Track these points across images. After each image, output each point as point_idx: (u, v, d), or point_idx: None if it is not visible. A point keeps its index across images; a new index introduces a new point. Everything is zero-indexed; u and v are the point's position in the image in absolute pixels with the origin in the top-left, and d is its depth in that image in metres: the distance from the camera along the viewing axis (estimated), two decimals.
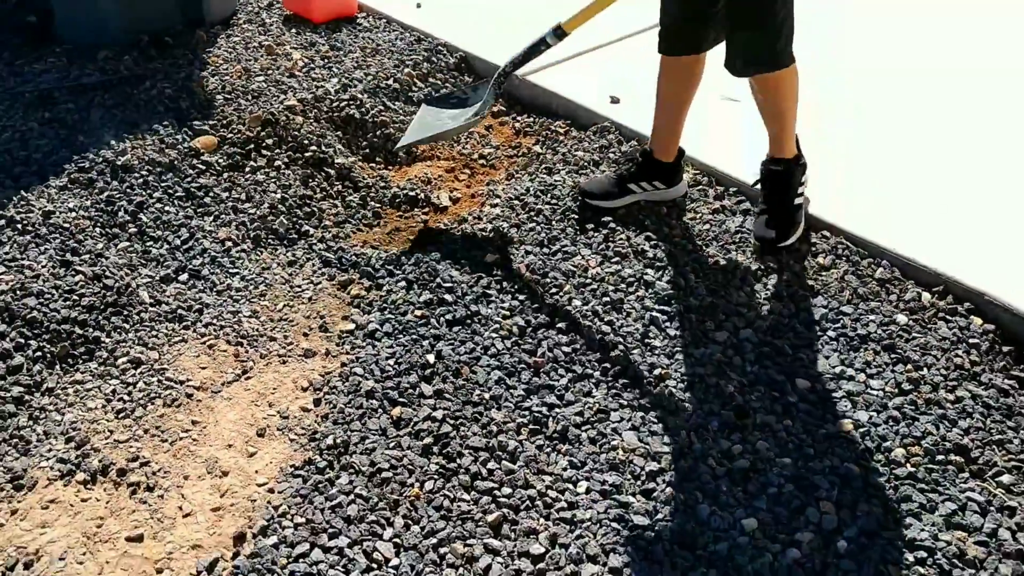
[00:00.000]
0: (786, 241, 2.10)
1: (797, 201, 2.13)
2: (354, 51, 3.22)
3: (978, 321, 1.90)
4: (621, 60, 3.00)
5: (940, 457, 1.64)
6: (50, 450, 1.78)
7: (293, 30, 3.37)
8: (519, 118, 2.88)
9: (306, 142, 2.66)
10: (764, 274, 2.08)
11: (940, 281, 1.97)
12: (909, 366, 1.81)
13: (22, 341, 1.99)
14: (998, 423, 1.69)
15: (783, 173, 2.11)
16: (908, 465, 1.63)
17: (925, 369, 1.81)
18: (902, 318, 1.92)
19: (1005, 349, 1.85)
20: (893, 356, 1.84)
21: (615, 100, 2.75)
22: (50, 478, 1.73)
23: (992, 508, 1.55)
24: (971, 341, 1.85)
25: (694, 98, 2.22)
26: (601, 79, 2.86)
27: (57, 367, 1.98)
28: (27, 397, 1.90)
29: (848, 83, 2.84)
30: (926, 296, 1.96)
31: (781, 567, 1.48)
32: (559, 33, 2.11)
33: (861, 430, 1.70)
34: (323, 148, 2.65)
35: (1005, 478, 1.59)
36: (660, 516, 1.57)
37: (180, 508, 1.66)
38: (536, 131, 2.78)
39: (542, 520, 1.58)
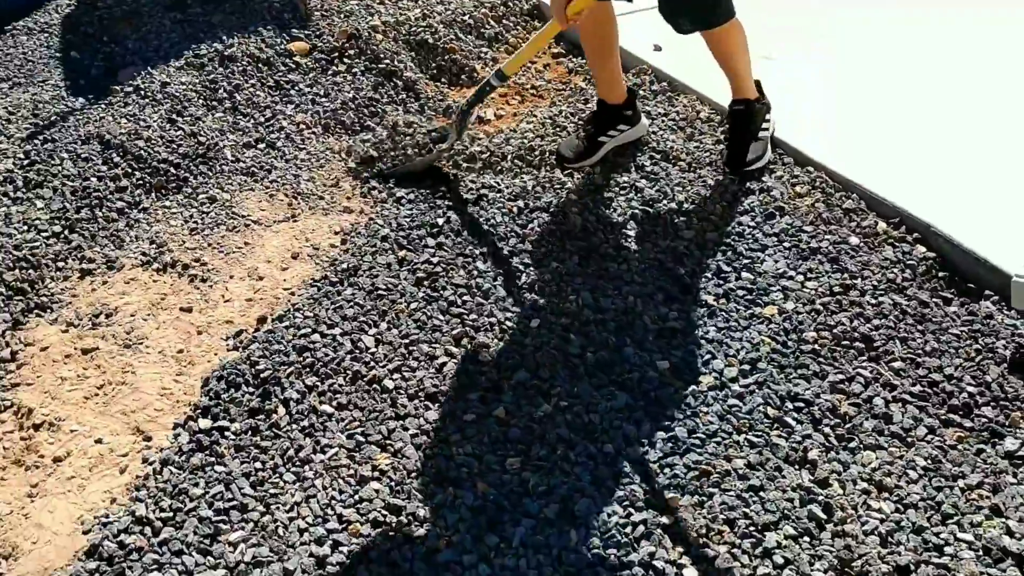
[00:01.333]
0: (748, 167, 2.43)
1: (761, 135, 2.46)
2: None
3: (922, 249, 2.17)
4: None
5: (845, 342, 1.95)
6: (137, 247, 2.35)
7: None
8: (573, 59, 3.28)
9: (382, 56, 3.17)
10: (743, 195, 2.41)
11: (897, 213, 2.25)
12: (846, 275, 2.11)
13: (130, 171, 2.58)
14: (909, 326, 1.98)
15: (744, 112, 2.44)
16: (815, 345, 1.94)
17: (859, 280, 2.10)
18: (854, 239, 2.22)
19: (940, 274, 2.12)
20: (835, 267, 2.15)
21: (658, 48, 3.11)
22: (133, 264, 2.29)
23: (876, 383, 1.85)
24: (909, 263, 2.13)
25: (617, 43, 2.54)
26: (651, 31, 3.22)
27: (152, 194, 2.55)
28: (127, 210, 2.48)
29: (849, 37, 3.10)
30: (882, 225, 2.24)
31: (679, 397, 1.84)
32: (500, 76, 2.41)
33: (784, 316, 2.02)
34: (395, 63, 3.15)
35: (897, 364, 1.89)
36: (591, 348, 1.95)
37: (222, 296, 2.19)
38: (585, 71, 3.18)
39: (495, 340, 1.99)
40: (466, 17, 3.48)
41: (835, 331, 1.97)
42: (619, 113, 2.57)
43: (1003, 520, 1.59)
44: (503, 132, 2.83)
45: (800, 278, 2.12)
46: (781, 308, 2.04)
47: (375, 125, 2.88)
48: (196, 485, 1.70)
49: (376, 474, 1.72)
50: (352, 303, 2.10)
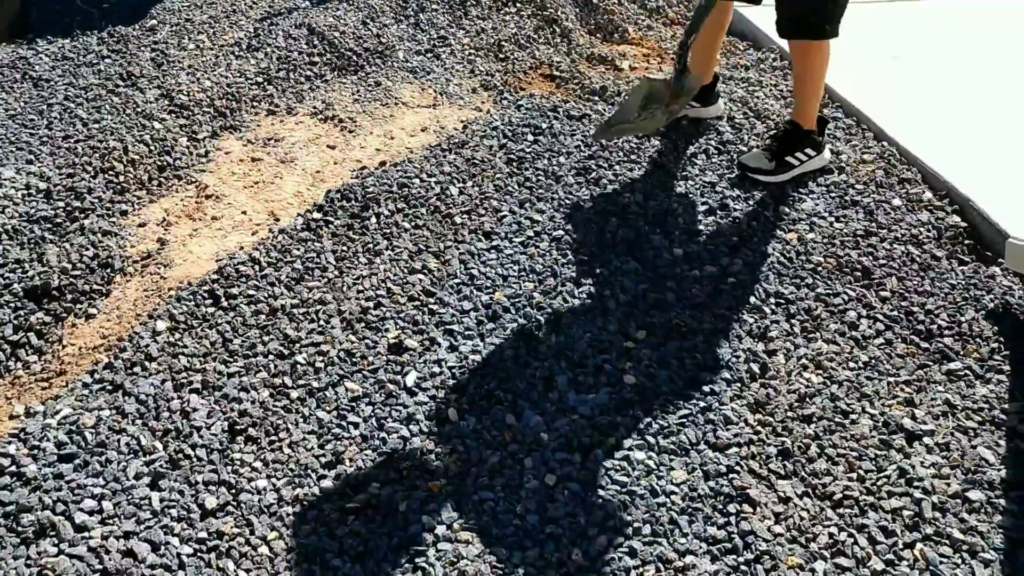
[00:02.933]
0: (758, 176, 2.60)
1: (789, 160, 2.57)
2: None
3: (956, 219, 2.41)
4: None
5: (846, 269, 2.26)
6: (311, 103, 3.07)
7: None
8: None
9: (548, 5, 3.74)
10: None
11: (944, 187, 2.49)
12: (874, 225, 2.40)
13: (322, 52, 3.32)
14: (912, 270, 2.25)
15: (789, 133, 2.59)
16: (818, 266, 2.27)
17: (885, 230, 2.39)
18: (897, 201, 2.49)
19: (966, 242, 2.35)
20: (867, 218, 2.44)
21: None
22: (304, 113, 3.01)
23: (857, 301, 2.15)
24: (939, 227, 2.38)
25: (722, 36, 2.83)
26: None
27: (335, 72, 3.28)
28: (312, 79, 3.21)
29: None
30: (928, 195, 2.50)
31: (679, 273, 2.24)
32: None
33: (801, 241, 2.35)
34: (558, 13, 3.71)
35: (884, 293, 2.17)
36: (624, 229, 2.39)
37: (360, 144, 2.84)
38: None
39: (551, 209, 2.48)
40: None
41: (841, 260, 2.28)
42: (809, 136, 2.59)
43: (912, 409, 1.87)
44: (631, 79, 3.30)
45: (831, 219, 2.44)
46: (802, 236, 2.38)
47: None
48: (297, 249, 2.34)
49: (424, 270, 2.27)
50: (452, 164, 2.68)
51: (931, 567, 1.57)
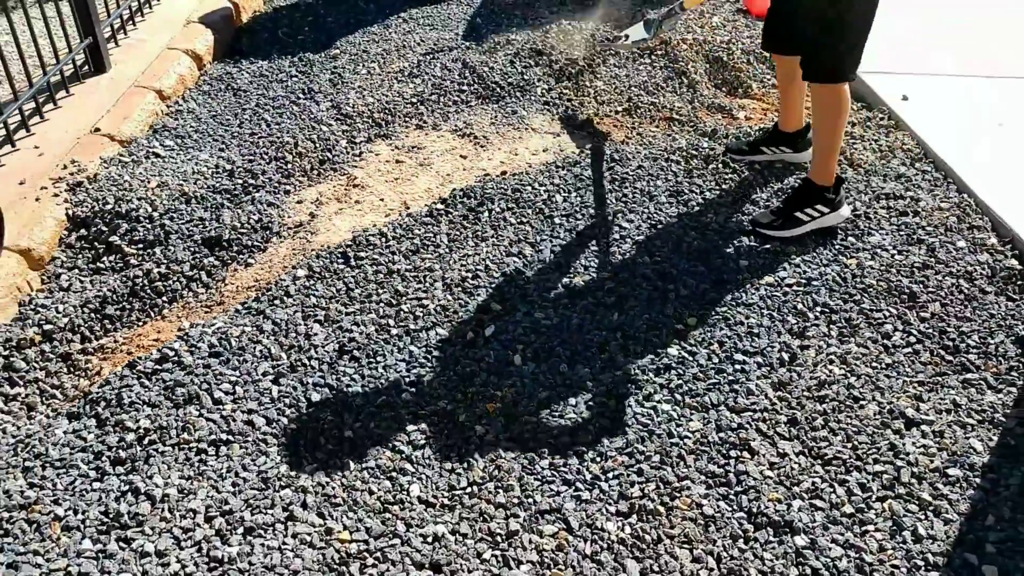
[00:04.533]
0: (766, 231, 2.80)
1: (799, 216, 2.77)
2: (752, 25, 4.64)
3: (1014, 262, 2.62)
4: (936, 83, 3.92)
5: (895, 293, 2.54)
6: (454, 123, 3.67)
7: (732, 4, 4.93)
8: None
9: (680, 60, 4.21)
10: (892, 198, 3.01)
11: (1010, 234, 2.71)
12: (932, 260, 2.67)
13: (471, 83, 3.94)
14: (958, 300, 2.50)
15: (800, 189, 2.81)
16: (868, 288, 2.56)
17: (942, 265, 2.64)
18: (961, 243, 2.74)
19: (1019, 283, 2.56)
20: (928, 254, 2.70)
21: (905, 98, 3.73)
22: (446, 130, 3.62)
23: (896, 318, 2.43)
24: (995, 266, 2.61)
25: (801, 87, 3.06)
26: (905, 83, 3.84)
27: (479, 100, 3.88)
28: (459, 104, 3.83)
29: None
30: (993, 240, 2.72)
31: (741, 280, 2.59)
32: (681, 7, 3.28)
33: (860, 267, 2.65)
34: (688, 67, 4.17)
35: (924, 315, 2.43)
36: (698, 241, 2.78)
37: (488, 157, 3.41)
38: None
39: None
40: (758, 49, 4.38)
41: (892, 284, 2.56)
42: (786, 137, 2.98)
43: (918, 403, 2.12)
44: (742, 128, 3.70)
45: (893, 251, 2.72)
46: (861, 262, 2.67)
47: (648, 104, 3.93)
48: (418, 230, 2.89)
49: (520, 255, 2.76)
50: (562, 178, 3.17)
51: (895, 517, 1.84)
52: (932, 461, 1.97)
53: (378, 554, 1.80)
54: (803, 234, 2.78)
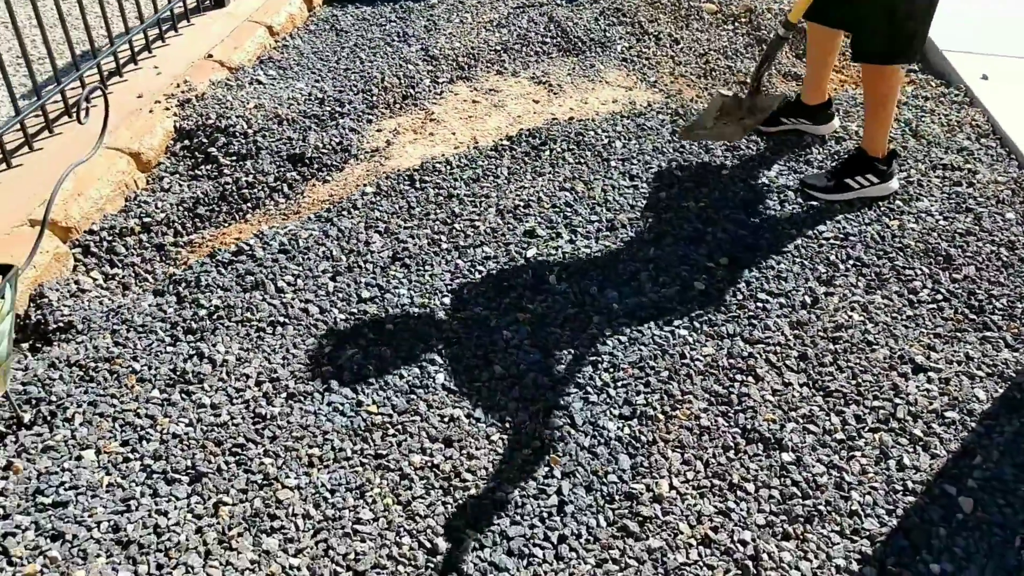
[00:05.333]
0: (814, 192, 2.80)
1: (848, 182, 2.77)
2: None
3: None
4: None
5: (931, 254, 2.53)
6: (532, 71, 3.78)
7: None
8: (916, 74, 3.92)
9: (763, 27, 4.18)
10: (951, 168, 2.96)
11: None
12: (977, 227, 2.63)
13: (555, 37, 4.03)
14: (994, 266, 2.47)
15: (853, 157, 2.80)
16: (906, 247, 2.55)
17: (986, 234, 2.61)
18: (1011, 215, 2.69)
19: None
20: (974, 221, 2.67)
21: (985, 77, 3.61)
22: (524, 77, 3.72)
23: (927, 277, 2.42)
24: None
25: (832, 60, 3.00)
26: (986, 63, 3.72)
27: (560, 52, 3.97)
28: (540, 55, 3.93)
29: None
30: None
31: (781, 230, 2.63)
32: (786, 25, 2.72)
33: (901, 228, 2.64)
34: (771, 34, 4.14)
35: (957, 276, 2.42)
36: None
37: (559, 103, 3.49)
38: (914, 82, 3.81)
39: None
40: None
41: (930, 247, 2.55)
42: (872, 164, 2.80)
43: (930, 351, 2.14)
44: None
45: (938, 217, 2.69)
46: (903, 224, 2.66)
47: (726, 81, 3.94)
48: (482, 161, 3.02)
49: (572, 191, 2.87)
50: (624, 127, 3.25)
51: (883, 447, 1.88)
52: (932, 403, 1.99)
53: (399, 426, 1.97)
54: (850, 200, 2.79)
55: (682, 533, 1.73)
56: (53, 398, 2.06)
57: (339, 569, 1.65)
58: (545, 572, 1.65)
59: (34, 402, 2.05)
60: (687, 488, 1.82)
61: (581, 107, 3.48)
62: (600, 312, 2.31)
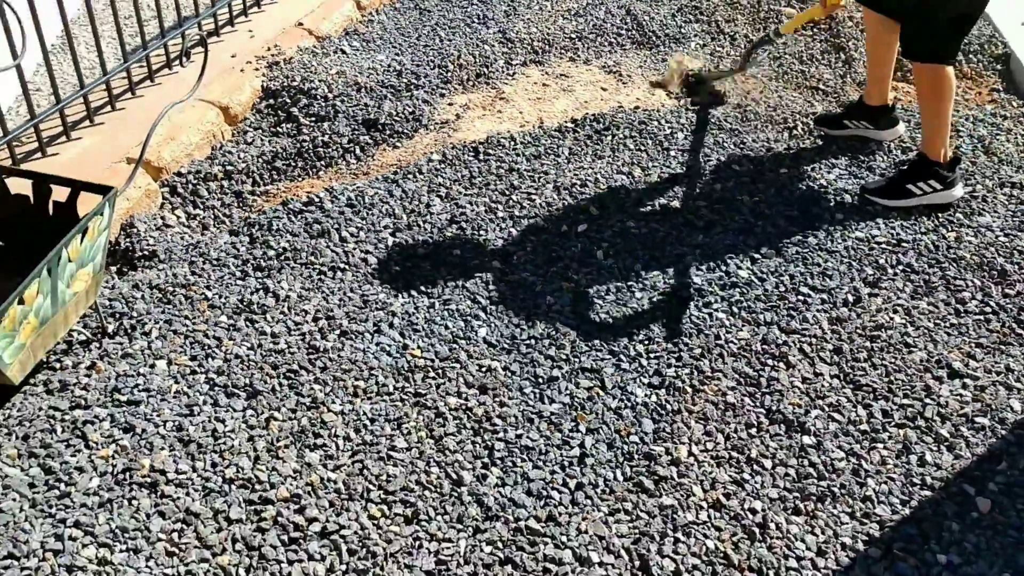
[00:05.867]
0: (874, 197, 2.80)
1: (910, 188, 2.76)
2: None
3: None
4: None
5: (985, 267, 2.52)
6: (604, 61, 3.86)
7: None
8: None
9: (842, 37, 4.17)
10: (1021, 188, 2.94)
11: None
12: None
13: (629, 28, 4.10)
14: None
15: (915, 163, 2.78)
16: (956, 255, 2.56)
17: None
18: None
19: None
20: None
21: None
22: (594, 66, 3.81)
23: (977, 287, 2.43)
24: None
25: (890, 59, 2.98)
26: None
27: (633, 45, 4.04)
28: (614, 44, 4.00)
29: None
30: None
31: (833, 216, 2.66)
32: (776, 33, 3.28)
33: (957, 240, 2.64)
34: (849, 43, 4.13)
35: (1009, 291, 2.42)
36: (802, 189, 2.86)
37: (627, 93, 3.57)
38: (999, 102, 3.76)
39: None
40: None
41: (985, 260, 2.56)
42: (934, 169, 2.76)
43: (969, 359, 2.16)
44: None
45: (999, 233, 2.69)
46: (960, 236, 2.66)
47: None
48: (545, 141, 3.13)
49: (629, 175, 2.95)
50: (688, 120, 3.32)
51: (906, 442, 1.92)
52: (963, 408, 2.02)
53: (440, 370, 2.09)
54: (909, 208, 2.79)
55: (694, 495, 1.80)
56: (134, 314, 2.25)
57: (371, 487, 1.78)
58: (560, 514, 1.75)
59: (118, 316, 2.24)
60: (705, 456, 1.90)
61: (648, 98, 3.55)
62: (642, 289, 2.39)
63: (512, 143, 3.12)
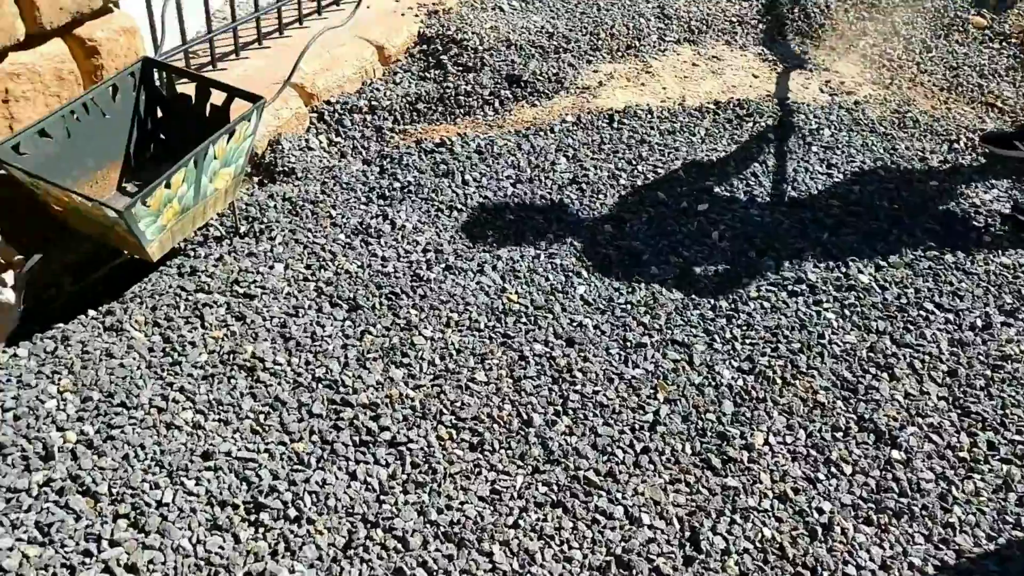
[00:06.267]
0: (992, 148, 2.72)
1: None
2: None
3: None
4: None
5: None
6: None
7: None
8: None
9: None
10: None
11: None
12: None
13: (761, 14, 3.96)
14: None
15: None
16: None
17: None
18: None
19: None
20: None
21: None
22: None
23: None
24: None
25: None
26: None
27: (741, 31, 3.90)
28: (731, 34, 3.88)
29: None
30: None
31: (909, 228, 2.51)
32: None
33: None
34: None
35: None
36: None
37: (722, 77, 3.46)
38: None
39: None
40: None
41: None
42: None
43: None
44: None
45: None
46: None
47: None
48: (682, 117, 3.09)
49: (716, 152, 2.86)
50: (836, 116, 3.17)
51: (1008, 479, 1.80)
52: None
53: (532, 317, 2.13)
54: None
55: (761, 483, 1.77)
56: (265, 220, 2.41)
57: (444, 411, 1.85)
58: (620, 472, 1.76)
59: (250, 219, 2.42)
60: (781, 448, 1.85)
61: (800, 91, 3.43)
62: (751, 276, 2.34)
63: (649, 116, 3.09)
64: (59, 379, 1.86)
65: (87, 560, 1.53)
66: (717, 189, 2.71)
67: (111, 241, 2.14)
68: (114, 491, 1.64)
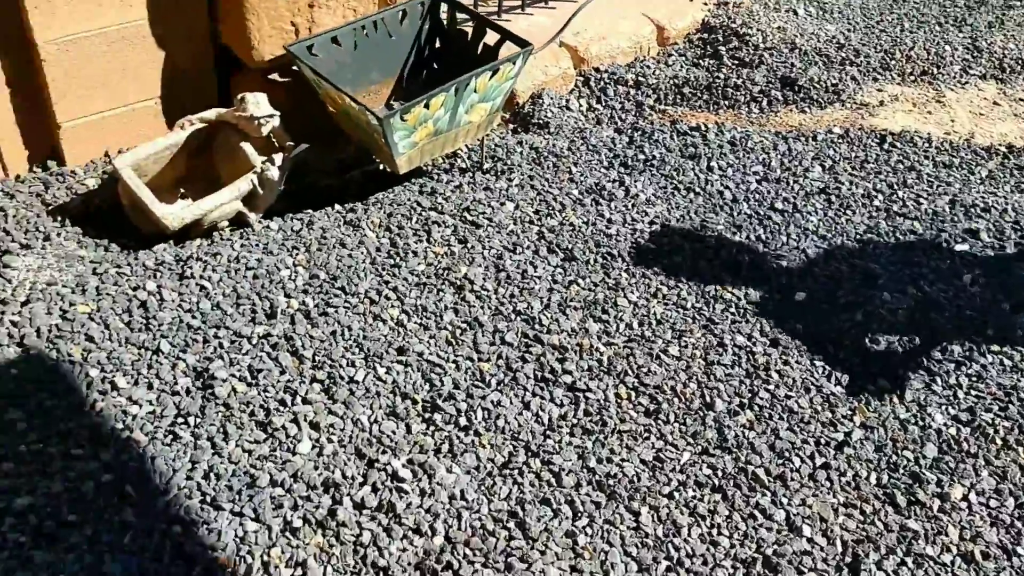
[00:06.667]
0: None
1: None
2: None
3: None
4: None
5: None
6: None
7: None
8: None
9: None
10: None
11: None
12: None
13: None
14: None
15: None
16: None
17: None
18: None
19: None
20: None
21: None
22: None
23: None
24: None
25: None
26: None
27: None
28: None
29: None
30: None
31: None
32: None
33: None
34: None
35: None
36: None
37: (950, 114, 3.06)
38: None
39: None
40: None
41: None
42: None
43: None
44: None
45: None
46: None
47: None
48: (964, 155, 2.82)
49: None
50: None
51: None
52: None
53: (742, 311, 2.08)
54: None
55: (947, 535, 1.60)
56: (508, 163, 2.55)
57: (629, 373, 1.87)
58: (792, 479, 1.67)
59: (496, 159, 2.57)
60: (981, 508, 1.67)
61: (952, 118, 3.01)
62: (998, 329, 2.11)
63: (927, 145, 2.86)
64: (296, 254, 2.10)
65: (281, 408, 1.72)
66: (984, 235, 2.46)
67: (371, 147, 2.36)
68: (317, 358, 1.83)
